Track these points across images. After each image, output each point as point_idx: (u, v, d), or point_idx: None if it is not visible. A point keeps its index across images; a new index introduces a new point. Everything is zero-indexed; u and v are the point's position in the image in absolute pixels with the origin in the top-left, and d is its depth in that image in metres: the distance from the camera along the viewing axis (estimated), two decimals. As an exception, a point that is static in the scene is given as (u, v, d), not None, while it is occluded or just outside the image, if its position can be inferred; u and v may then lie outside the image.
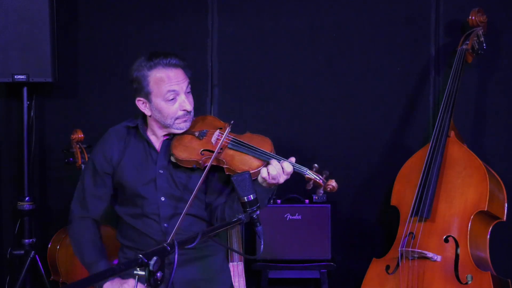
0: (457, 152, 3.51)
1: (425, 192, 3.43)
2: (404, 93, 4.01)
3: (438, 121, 3.55)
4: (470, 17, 3.72)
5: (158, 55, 2.72)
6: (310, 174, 2.62)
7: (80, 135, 3.87)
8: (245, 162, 2.68)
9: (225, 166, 2.69)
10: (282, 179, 2.61)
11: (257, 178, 2.64)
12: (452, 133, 3.55)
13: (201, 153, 2.72)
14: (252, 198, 2.35)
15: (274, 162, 2.60)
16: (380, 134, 4.02)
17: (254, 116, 4.04)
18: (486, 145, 3.90)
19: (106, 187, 2.87)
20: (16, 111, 4.07)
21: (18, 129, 4.03)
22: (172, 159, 2.76)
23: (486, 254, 3.46)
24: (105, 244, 3.82)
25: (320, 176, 2.63)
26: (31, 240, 3.92)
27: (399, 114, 4.01)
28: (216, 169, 2.73)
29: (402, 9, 4.00)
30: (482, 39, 3.70)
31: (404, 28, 4.00)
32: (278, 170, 2.59)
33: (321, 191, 2.65)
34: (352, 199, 4.05)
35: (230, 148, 2.71)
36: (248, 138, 2.75)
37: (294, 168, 2.61)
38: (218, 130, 2.78)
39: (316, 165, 2.64)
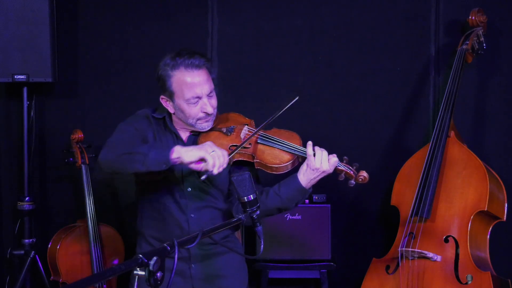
0: (457, 152, 3.51)
1: (425, 192, 3.43)
2: (404, 93, 4.01)
3: (438, 121, 3.55)
4: (470, 17, 3.72)
5: (183, 55, 2.74)
6: (341, 165, 2.71)
7: (80, 135, 3.87)
8: (276, 156, 2.74)
9: (255, 161, 2.73)
10: (325, 166, 2.67)
11: (296, 176, 2.71)
12: (452, 133, 3.55)
13: (229, 148, 2.77)
14: (252, 198, 2.35)
15: (316, 147, 2.70)
16: (380, 134, 4.01)
17: (254, 116, 4.03)
18: (486, 145, 3.90)
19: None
20: (16, 111, 4.07)
21: (18, 129, 4.03)
22: None
23: (486, 254, 3.46)
24: (105, 244, 3.85)
25: (351, 168, 2.71)
26: (31, 240, 3.91)
27: (399, 114, 4.01)
28: (246, 165, 2.78)
29: (402, 9, 4.00)
30: (482, 39, 3.70)
31: (404, 28, 4.00)
32: (323, 155, 2.67)
33: (353, 182, 2.73)
34: (352, 199, 4.05)
35: (260, 143, 2.77)
36: (276, 133, 2.81)
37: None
38: (246, 126, 2.83)
39: (346, 157, 2.74)
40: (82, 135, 3.88)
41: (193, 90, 2.72)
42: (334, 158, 2.69)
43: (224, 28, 4.08)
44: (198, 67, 2.74)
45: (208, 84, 2.76)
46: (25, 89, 3.94)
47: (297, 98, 2.76)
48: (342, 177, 2.74)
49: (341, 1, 4.05)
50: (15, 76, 3.81)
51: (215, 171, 2.54)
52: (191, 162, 2.57)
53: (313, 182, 2.73)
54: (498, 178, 3.51)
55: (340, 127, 4.06)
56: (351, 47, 4.04)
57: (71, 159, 3.86)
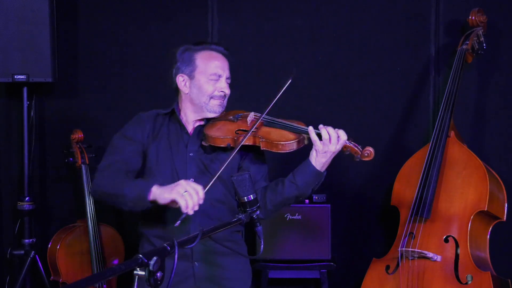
0: (457, 152, 3.51)
1: (425, 192, 3.43)
2: (404, 93, 4.01)
3: (438, 121, 3.55)
4: (470, 17, 3.72)
5: (209, 42, 2.98)
6: (347, 142, 2.72)
7: (80, 135, 3.88)
8: (282, 135, 2.76)
9: (261, 140, 2.75)
10: (333, 146, 2.68)
11: (309, 161, 2.72)
12: (452, 133, 3.55)
13: (235, 132, 2.79)
14: (252, 198, 2.35)
15: (322, 128, 2.70)
16: (380, 134, 4.01)
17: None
18: (486, 145, 3.90)
19: (136, 157, 2.82)
20: (16, 111, 4.07)
21: (18, 129, 4.04)
22: (204, 142, 2.81)
23: (486, 254, 3.46)
24: (105, 244, 3.85)
25: (357, 145, 2.73)
26: (31, 240, 3.92)
27: (399, 114, 4.01)
28: (251, 150, 2.80)
29: (402, 9, 4.00)
30: (482, 39, 3.70)
31: (404, 28, 4.00)
32: (330, 131, 2.68)
33: (358, 157, 2.74)
34: (352, 199, 4.05)
35: (266, 126, 2.81)
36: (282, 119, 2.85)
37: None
38: (253, 112, 2.87)
39: (352, 137, 2.75)
40: (82, 135, 3.88)
41: (217, 67, 2.84)
42: (344, 137, 2.70)
43: (224, 28, 4.08)
44: (223, 53, 2.90)
45: (228, 70, 2.89)
46: (25, 89, 3.94)
47: (291, 79, 2.83)
48: (347, 151, 2.75)
49: (341, 1, 4.05)
50: (15, 76, 3.81)
51: (190, 212, 2.49)
52: (166, 204, 2.56)
53: (326, 164, 2.75)
54: (498, 178, 3.51)
55: (340, 127, 4.00)
56: (351, 47, 4.04)
57: (71, 159, 3.86)
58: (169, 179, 2.81)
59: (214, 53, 2.89)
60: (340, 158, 3.99)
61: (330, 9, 4.05)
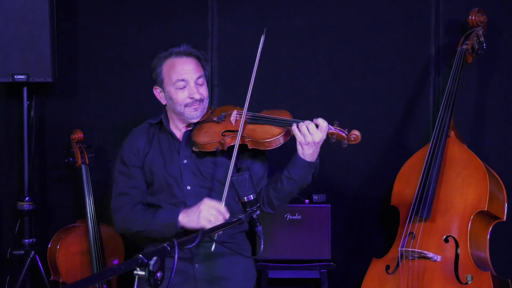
0: (457, 152, 3.51)
1: (425, 192, 3.43)
2: (404, 93, 4.01)
3: (438, 121, 3.55)
4: (470, 17, 3.72)
5: (174, 45, 2.88)
6: (332, 129, 2.72)
7: (80, 135, 3.88)
8: (267, 131, 2.77)
9: (247, 140, 2.75)
10: (316, 137, 2.67)
11: (297, 154, 2.73)
12: (452, 133, 3.55)
13: (222, 134, 2.79)
14: (252, 198, 2.36)
15: (300, 123, 2.69)
16: (380, 134, 4.01)
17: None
18: (486, 145, 3.90)
19: (138, 179, 2.89)
20: (16, 111, 4.07)
21: (18, 129, 4.03)
22: (194, 148, 2.82)
23: (486, 254, 3.46)
24: (105, 244, 3.85)
25: (343, 130, 2.71)
26: (31, 240, 3.91)
27: (399, 114, 4.01)
28: (241, 150, 2.79)
29: (402, 9, 4.00)
30: (482, 39, 3.70)
31: (404, 28, 4.00)
32: (307, 125, 2.67)
33: (346, 142, 2.72)
34: (352, 199, 4.05)
35: (250, 123, 2.80)
36: (266, 113, 2.85)
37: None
38: (235, 111, 2.86)
39: (337, 122, 2.74)
40: (82, 135, 3.88)
41: (179, 73, 2.81)
42: (324, 124, 2.69)
43: (224, 28, 4.08)
44: (186, 54, 2.85)
45: (196, 71, 2.84)
46: (25, 89, 3.94)
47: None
48: (334, 139, 2.73)
49: (342, 1, 4.05)
50: (15, 76, 3.81)
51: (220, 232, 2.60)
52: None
53: (315, 154, 2.74)
54: (498, 178, 3.51)
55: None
56: (352, 47, 4.04)
57: (71, 159, 3.86)
58: (166, 188, 2.83)
59: (176, 59, 2.85)
60: (340, 159, 4.01)
61: (330, 9, 4.05)
